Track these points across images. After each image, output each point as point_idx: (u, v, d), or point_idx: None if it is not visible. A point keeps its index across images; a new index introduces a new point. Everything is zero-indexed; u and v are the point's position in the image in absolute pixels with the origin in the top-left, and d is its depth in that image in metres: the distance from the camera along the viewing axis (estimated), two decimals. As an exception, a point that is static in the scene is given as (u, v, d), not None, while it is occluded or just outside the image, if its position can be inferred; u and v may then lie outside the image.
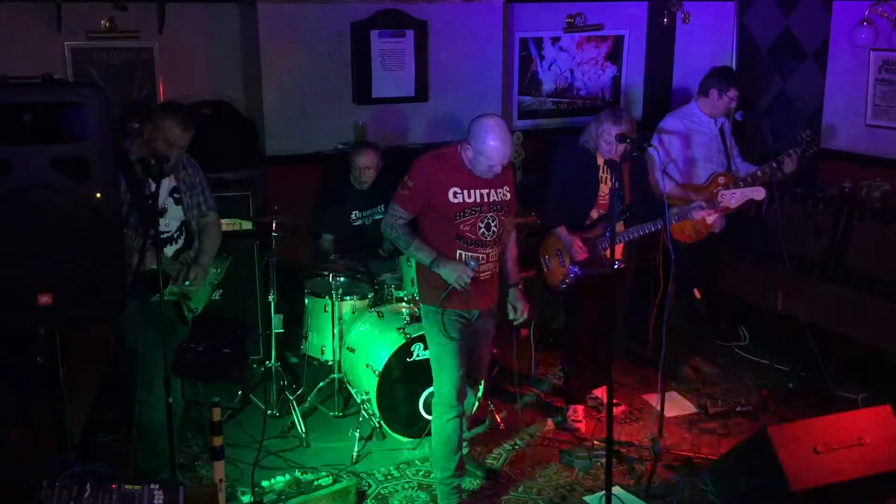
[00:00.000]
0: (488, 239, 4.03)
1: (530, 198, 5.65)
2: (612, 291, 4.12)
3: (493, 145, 3.84)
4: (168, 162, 3.79)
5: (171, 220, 4.18)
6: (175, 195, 4.18)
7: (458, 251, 3.99)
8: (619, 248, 4.75)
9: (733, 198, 4.94)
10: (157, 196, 3.68)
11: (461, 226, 3.96)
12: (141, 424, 4.03)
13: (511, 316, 4.31)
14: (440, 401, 4.11)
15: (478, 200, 3.98)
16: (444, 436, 4.13)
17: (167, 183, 4.14)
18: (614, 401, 5.07)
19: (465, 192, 3.96)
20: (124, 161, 3.95)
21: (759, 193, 4.95)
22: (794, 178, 5.34)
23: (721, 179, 5.13)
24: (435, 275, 4.00)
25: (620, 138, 4.51)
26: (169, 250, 4.17)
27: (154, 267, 3.94)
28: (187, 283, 4.17)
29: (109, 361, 4.87)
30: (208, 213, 4.37)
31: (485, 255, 4.04)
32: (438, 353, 4.09)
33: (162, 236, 4.10)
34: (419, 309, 4.32)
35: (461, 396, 4.11)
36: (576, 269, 4.82)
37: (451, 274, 3.93)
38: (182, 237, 4.25)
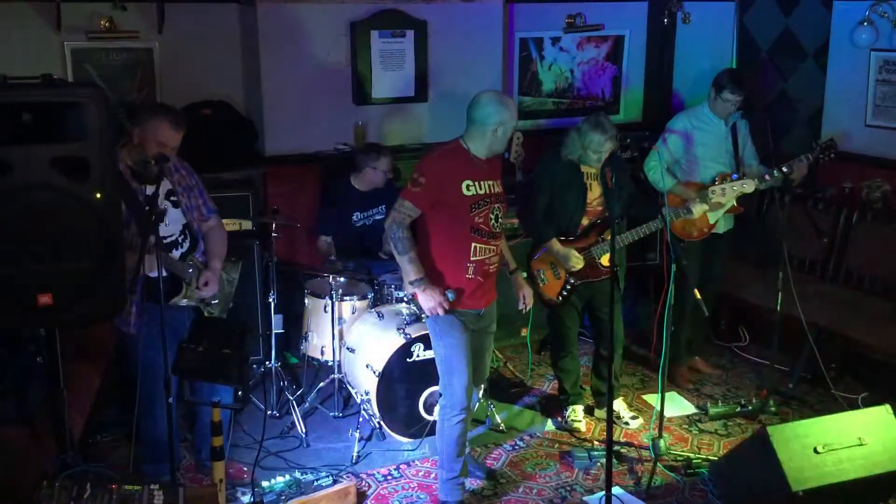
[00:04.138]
0: (497, 230, 4.07)
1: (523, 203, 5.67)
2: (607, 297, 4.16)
3: (502, 110, 3.89)
4: (168, 161, 3.75)
5: (173, 223, 4.12)
6: (172, 198, 4.12)
7: (474, 244, 3.98)
8: (607, 255, 4.74)
9: (723, 193, 4.96)
10: (158, 197, 3.62)
11: (476, 218, 3.97)
12: (148, 435, 4.04)
13: (520, 305, 4.36)
14: (450, 402, 4.11)
15: (487, 192, 4.00)
16: (452, 437, 4.13)
17: (162, 188, 4.07)
18: (632, 415, 5.10)
19: (477, 183, 3.98)
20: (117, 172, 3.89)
21: (748, 186, 4.97)
22: (800, 182, 5.33)
23: (719, 179, 5.13)
24: (439, 276, 4.01)
25: (620, 139, 4.51)
26: (174, 255, 4.11)
27: (164, 273, 3.93)
28: (199, 288, 4.13)
29: (110, 361, 4.87)
30: (209, 216, 4.29)
31: (494, 247, 4.08)
32: (448, 355, 4.08)
33: (166, 241, 4.04)
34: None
35: (469, 397, 4.13)
36: (572, 280, 4.82)
37: (429, 301, 3.94)
38: (187, 240, 4.19)
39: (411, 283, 3.98)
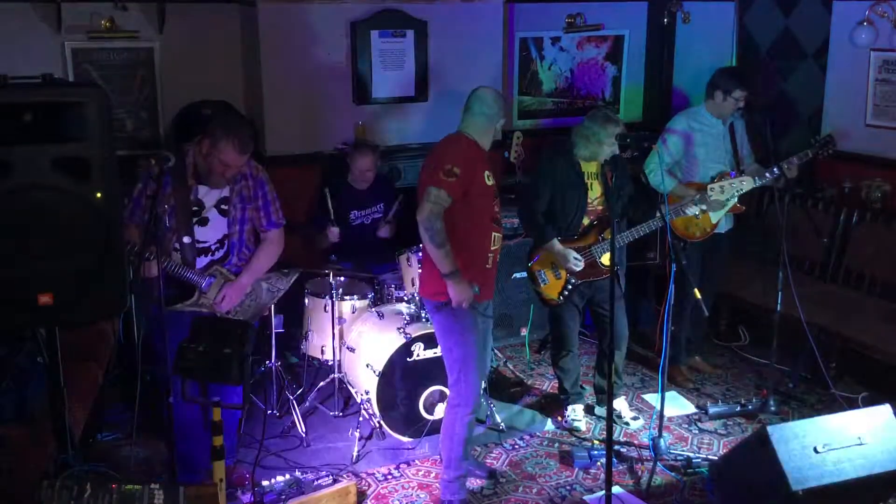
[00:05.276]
0: (501, 218, 4.21)
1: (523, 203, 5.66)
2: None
3: (503, 104, 4.14)
4: (169, 162, 3.74)
5: (213, 231, 4.10)
6: (223, 206, 4.10)
7: (494, 234, 4.09)
8: (608, 254, 4.75)
9: (722, 191, 4.97)
10: (157, 200, 3.57)
11: (495, 207, 4.09)
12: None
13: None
14: (465, 402, 4.13)
15: (494, 183, 4.13)
16: (462, 436, 4.17)
17: (217, 193, 4.07)
18: (633, 415, 5.11)
19: (492, 174, 4.10)
20: (178, 166, 3.89)
21: (747, 184, 4.98)
22: (798, 179, 5.34)
23: (718, 178, 5.13)
24: (463, 267, 4.00)
25: (620, 139, 4.52)
26: (201, 261, 4.10)
27: (178, 275, 3.94)
28: (216, 302, 4.12)
29: (111, 360, 4.88)
30: (268, 229, 4.26)
31: (502, 236, 4.21)
32: (467, 354, 4.09)
33: (198, 246, 4.05)
34: (425, 308, 4.32)
35: (480, 395, 4.21)
36: (573, 280, 4.83)
37: (460, 294, 3.96)
38: (221, 250, 4.17)
39: (446, 275, 3.96)
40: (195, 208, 4.02)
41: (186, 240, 3.97)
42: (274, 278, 4.37)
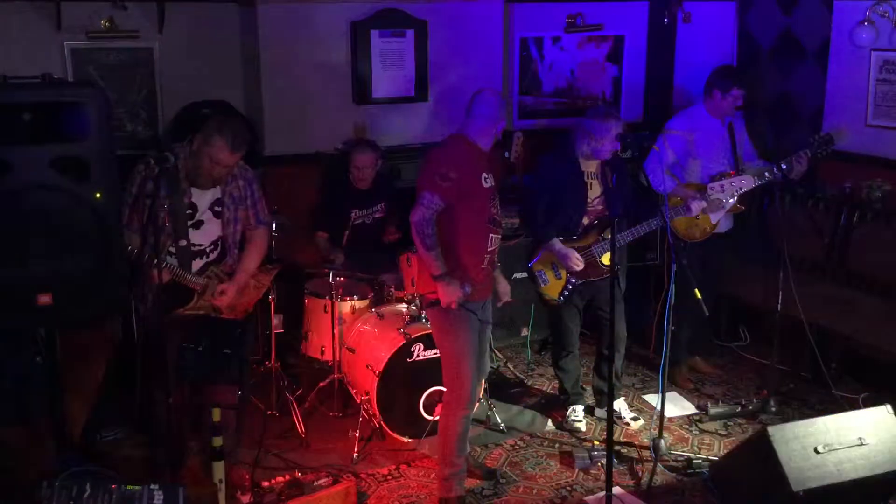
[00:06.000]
0: (500, 219, 4.20)
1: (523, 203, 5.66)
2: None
3: (503, 105, 4.13)
4: (168, 162, 3.73)
5: (207, 233, 4.10)
6: (216, 208, 4.10)
7: (491, 235, 4.10)
8: (608, 254, 4.75)
9: (723, 190, 4.97)
10: (156, 197, 3.56)
11: (492, 209, 4.09)
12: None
13: (500, 300, 4.41)
14: (458, 397, 4.13)
15: (493, 184, 4.12)
16: (458, 432, 4.17)
17: (210, 195, 4.06)
18: (633, 415, 5.11)
19: (490, 176, 4.10)
20: (171, 169, 3.86)
21: (747, 183, 4.98)
22: (800, 178, 5.33)
23: (718, 178, 5.12)
24: (459, 268, 4.02)
25: (620, 138, 4.52)
26: (195, 264, 4.10)
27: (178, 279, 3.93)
28: (215, 296, 4.12)
29: (110, 360, 4.87)
30: (257, 226, 4.28)
31: (500, 237, 4.21)
32: (458, 351, 4.10)
33: (193, 248, 4.05)
34: (424, 308, 4.33)
35: (475, 393, 4.19)
36: (573, 280, 4.82)
37: (451, 295, 3.98)
38: (215, 251, 4.17)
39: (436, 277, 3.99)
40: (189, 212, 4.00)
41: (182, 243, 3.96)
42: (258, 274, 4.38)
